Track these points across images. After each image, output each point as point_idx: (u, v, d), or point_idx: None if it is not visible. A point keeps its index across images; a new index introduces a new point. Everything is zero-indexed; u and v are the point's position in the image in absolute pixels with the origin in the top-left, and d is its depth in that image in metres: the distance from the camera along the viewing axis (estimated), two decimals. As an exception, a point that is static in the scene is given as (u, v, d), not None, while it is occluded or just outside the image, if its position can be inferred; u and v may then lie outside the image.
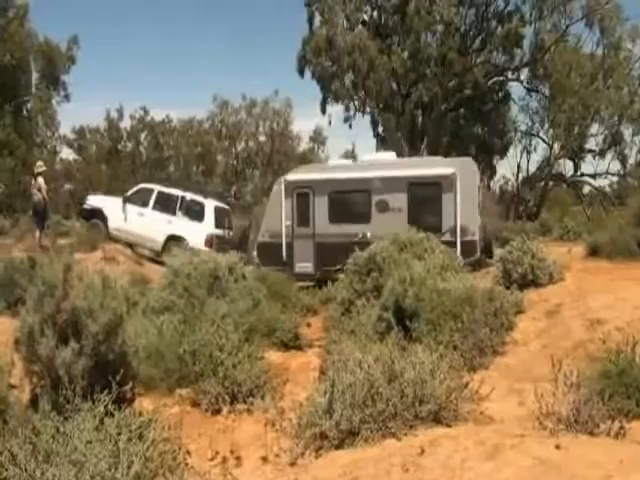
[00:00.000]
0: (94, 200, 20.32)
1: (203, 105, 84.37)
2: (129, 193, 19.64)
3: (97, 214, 19.16)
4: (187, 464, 4.54)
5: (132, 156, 45.55)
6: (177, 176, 43.40)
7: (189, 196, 19.05)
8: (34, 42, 31.41)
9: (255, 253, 16.70)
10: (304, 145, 49.20)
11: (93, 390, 4.97)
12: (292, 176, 17.63)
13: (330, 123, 37.68)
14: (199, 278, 10.45)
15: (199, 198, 19.10)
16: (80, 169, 43.37)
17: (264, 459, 5.33)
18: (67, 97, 33.31)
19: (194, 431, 6.00)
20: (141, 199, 19.06)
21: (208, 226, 18.42)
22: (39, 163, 18.12)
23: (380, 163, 17.30)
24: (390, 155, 19.41)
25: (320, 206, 16.75)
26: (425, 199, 16.03)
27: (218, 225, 18.82)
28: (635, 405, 5.51)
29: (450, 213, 15.33)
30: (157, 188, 19.45)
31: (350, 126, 36.69)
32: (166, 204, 18.82)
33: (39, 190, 16.88)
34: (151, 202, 18.92)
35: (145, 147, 47.07)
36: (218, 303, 9.87)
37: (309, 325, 12.08)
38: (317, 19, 34.35)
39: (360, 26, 34.58)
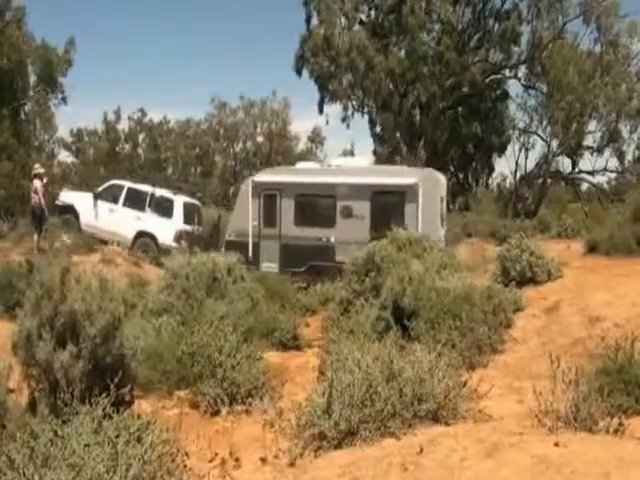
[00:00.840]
0: (66, 196, 20.39)
1: (201, 105, 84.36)
2: (100, 189, 19.79)
3: (69, 210, 19.23)
4: (186, 466, 4.53)
5: (130, 158, 45.54)
6: (175, 177, 43.39)
7: (158, 192, 19.18)
8: (31, 45, 31.35)
9: (223, 250, 16.90)
10: (302, 145, 49.20)
11: (91, 393, 4.96)
12: (260, 177, 17.99)
13: (327, 122, 37.62)
14: (197, 279, 10.44)
15: (168, 194, 19.23)
16: (78, 171, 43.35)
17: (263, 460, 5.32)
18: (64, 100, 33.25)
19: (193, 433, 5.98)
20: (112, 195, 19.25)
21: (177, 222, 18.59)
22: (36, 166, 18.13)
23: (347, 169, 17.59)
24: (359, 161, 19.92)
25: (286, 208, 17.07)
26: (388, 207, 16.39)
27: (187, 221, 18.95)
28: (634, 402, 5.51)
29: (412, 222, 15.53)
30: (127, 184, 19.64)
31: (348, 126, 36.72)
32: (136, 200, 18.98)
33: (35, 193, 16.88)
34: (121, 198, 19.10)
35: (143, 149, 47.06)
36: (216, 304, 9.87)
37: (308, 325, 12.09)
38: (315, 18, 34.39)
39: (358, 25, 34.62)
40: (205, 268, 10.79)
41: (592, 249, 13.66)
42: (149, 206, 18.81)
